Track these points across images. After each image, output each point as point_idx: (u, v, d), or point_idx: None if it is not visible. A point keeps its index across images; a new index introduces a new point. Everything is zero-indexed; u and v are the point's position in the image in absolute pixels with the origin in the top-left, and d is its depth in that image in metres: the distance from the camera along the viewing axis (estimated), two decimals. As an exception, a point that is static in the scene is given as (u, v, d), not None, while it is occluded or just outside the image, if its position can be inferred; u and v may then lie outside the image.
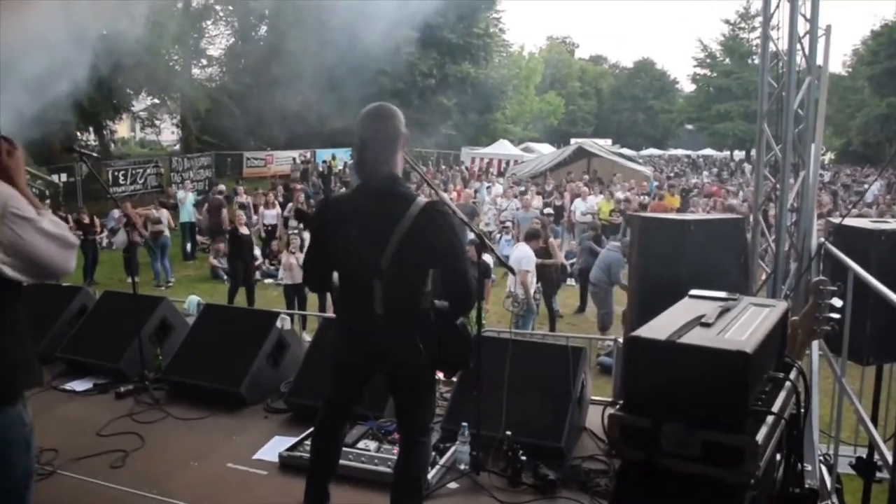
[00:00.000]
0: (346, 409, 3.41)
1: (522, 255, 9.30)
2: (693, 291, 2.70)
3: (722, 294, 2.63)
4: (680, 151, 55.07)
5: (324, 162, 29.07)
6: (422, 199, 2.99)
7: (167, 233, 15.06)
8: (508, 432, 3.95)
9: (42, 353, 5.94)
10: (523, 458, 3.88)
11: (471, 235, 3.77)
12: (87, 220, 15.01)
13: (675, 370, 2.09)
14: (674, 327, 2.21)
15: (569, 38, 70.98)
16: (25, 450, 2.22)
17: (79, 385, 5.50)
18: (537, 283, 9.71)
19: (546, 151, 32.50)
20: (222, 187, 20.06)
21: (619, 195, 18.66)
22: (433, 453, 3.93)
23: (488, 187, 21.48)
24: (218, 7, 29.98)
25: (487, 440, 3.98)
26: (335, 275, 3.21)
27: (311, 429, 4.04)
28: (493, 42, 37.01)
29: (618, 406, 2.22)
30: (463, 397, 4.26)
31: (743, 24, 51.89)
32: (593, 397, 4.94)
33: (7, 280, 2.00)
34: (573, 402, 4.22)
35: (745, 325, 2.33)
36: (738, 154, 51.47)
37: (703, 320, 2.29)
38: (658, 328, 2.21)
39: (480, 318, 3.72)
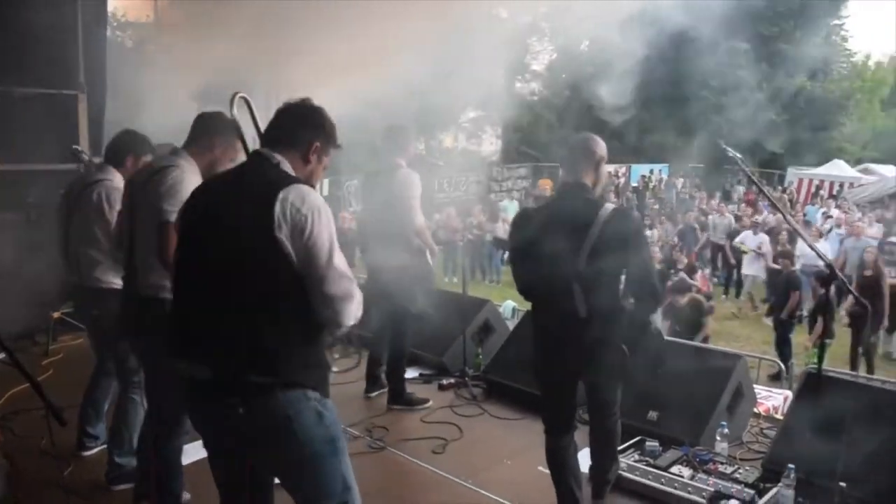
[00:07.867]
0: (567, 425, 3.48)
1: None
2: None
3: None
4: None
5: (642, 177, 28.64)
6: (610, 204, 3.24)
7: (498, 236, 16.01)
8: (843, 483, 3.57)
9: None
10: (858, 515, 3.49)
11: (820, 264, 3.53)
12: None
13: None
14: None
15: (929, 41, 62.22)
16: (318, 420, 2.32)
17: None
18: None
19: (890, 174, 28.69)
20: (553, 197, 20.66)
21: None
22: (752, 492, 3.71)
23: (824, 212, 19.28)
24: (544, 24, 30.98)
25: (816, 489, 3.64)
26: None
27: (624, 445, 4.07)
28: (834, 51, 33.56)
29: None
30: (792, 437, 3.95)
31: None
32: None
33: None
34: (925, 463, 3.70)
35: None
36: None
37: None
38: None
39: (822, 355, 3.42)
